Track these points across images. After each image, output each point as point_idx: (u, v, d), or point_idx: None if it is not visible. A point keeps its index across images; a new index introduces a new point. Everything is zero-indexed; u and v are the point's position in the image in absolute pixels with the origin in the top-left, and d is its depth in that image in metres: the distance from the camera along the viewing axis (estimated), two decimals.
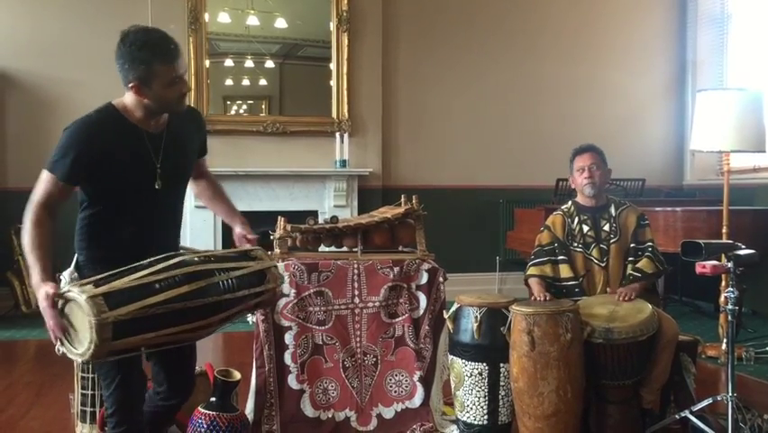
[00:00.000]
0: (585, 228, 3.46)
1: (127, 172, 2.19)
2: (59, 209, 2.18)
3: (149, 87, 2.13)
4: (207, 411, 2.80)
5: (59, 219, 2.17)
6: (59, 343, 2.02)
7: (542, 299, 3.22)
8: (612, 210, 3.49)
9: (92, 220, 2.24)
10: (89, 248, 2.25)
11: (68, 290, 1.96)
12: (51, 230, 2.11)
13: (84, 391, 3.15)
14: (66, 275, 2.15)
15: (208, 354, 5.04)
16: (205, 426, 2.77)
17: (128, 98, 2.21)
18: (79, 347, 1.95)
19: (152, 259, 2.09)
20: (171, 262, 2.08)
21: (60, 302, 1.98)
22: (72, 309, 1.96)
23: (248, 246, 2.44)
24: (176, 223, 2.43)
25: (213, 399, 2.85)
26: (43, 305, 1.98)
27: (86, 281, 2.00)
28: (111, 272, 2.03)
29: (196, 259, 2.16)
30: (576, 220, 3.48)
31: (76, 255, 2.28)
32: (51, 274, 2.04)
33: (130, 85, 2.15)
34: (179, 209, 2.45)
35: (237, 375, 2.92)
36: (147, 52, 2.10)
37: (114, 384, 2.21)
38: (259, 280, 2.27)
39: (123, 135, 2.18)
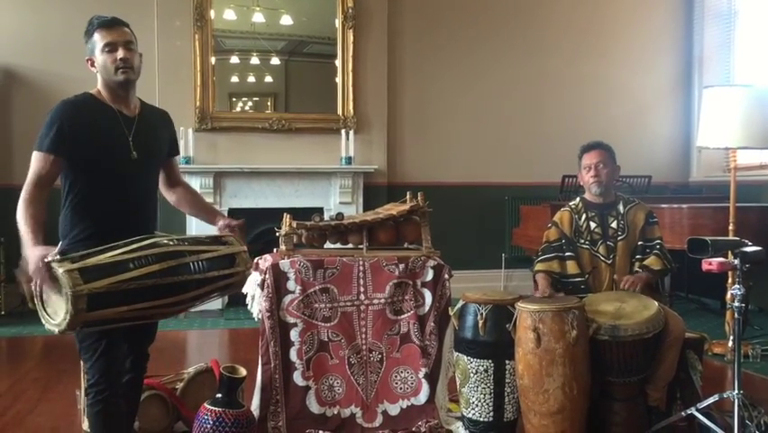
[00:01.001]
0: (592, 225, 3.45)
1: (105, 141, 2.38)
2: (49, 193, 2.33)
3: (95, 56, 2.40)
4: (213, 408, 2.81)
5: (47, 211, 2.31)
6: (37, 302, 2.20)
7: (546, 295, 3.21)
8: (620, 207, 3.48)
9: (76, 201, 2.38)
10: (74, 229, 2.38)
11: (50, 263, 2.11)
12: (43, 206, 2.28)
13: None
14: (49, 258, 2.22)
15: (214, 350, 5.07)
16: (211, 422, 2.78)
17: (98, 84, 2.46)
18: (56, 318, 2.12)
19: (128, 240, 2.26)
20: (145, 242, 2.27)
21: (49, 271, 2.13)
22: (52, 283, 2.12)
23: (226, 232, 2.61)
24: (153, 201, 2.57)
25: (219, 395, 2.86)
26: (37, 265, 2.12)
27: (63, 258, 2.16)
28: (88, 251, 2.20)
29: (169, 241, 2.33)
30: (584, 217, 3.47)
31: (60, 243, 2.39)
32: (41, 240, 2.18)
33: (86, 59, 2.42)
34: (155, 188, 2.60)
35: (243, 372, 2.93)
36: (91, 25, 2.41)
37: (97, 354, 2.34)
38: (229, 263, 2.45)
39: (97, 112, 2.41)
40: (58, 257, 2.20)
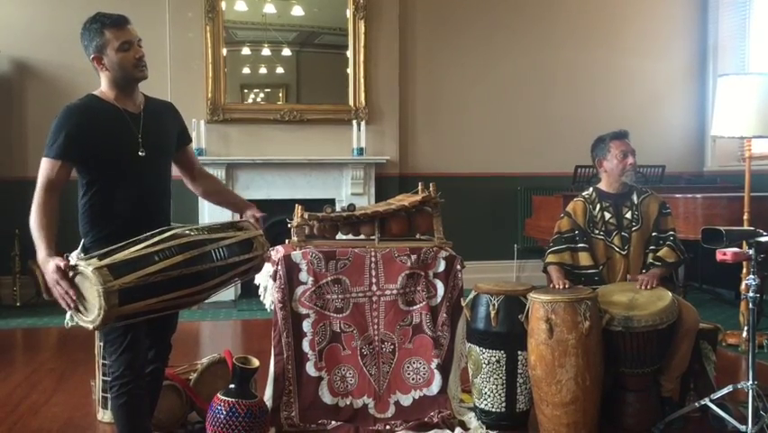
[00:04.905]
0: (607, 215, 3.42)
1: (113, 142, 2.40)
2: (62, 193, 2.35)
3: (105, 55, 2.38)
4: (226, 398, 2.83)
5: (63, 209, 2.34)
6: (70, 312, 2.24)
7: (560, 286, 3.19)
8: (635, 198, 3.45)
9: (93, 201, 2.41)
10: (93, 229, 2.41)
11: (76, 265, 2.17)
12: (55, 211, 2.31)
13: (105, 378, 3.19)
14: (73, 256, 2.29)
15: (227, 341, 5.09)
16: (224, 412, 2.79)
17: (102, 84, 2.45)
18: (90, 315, 2.16)
19: (148, 234, 2.30)
20: (166, 235, 2.31)
21: (69, 276, 2.17)
22: (81, 282, 2.17)
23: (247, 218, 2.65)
24: (167, 194, 2.59)
25: (232, 386, 2.87)
26: (54, 277, 2.17)
27: (90, 256, 2.22)
28: (111, 247, 2.24)
29: (188, 231, 2.37)
30: (598, 207, 3.44)
31: (82, 240, 2.43)
32: (56, 250, 2.23)
33: (92, 58, 2.41)
34: (168, 182, 2.60)
35: (256, 362, 2.94)
36: (97, 23, 2.39)
37: (122, 347, 2.37)
38: (247, 247, 2.49)
39: (103, 113, 2.41)
40: (82, 256, 2.24)
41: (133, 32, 2.42)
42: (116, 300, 2.11)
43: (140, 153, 2.42)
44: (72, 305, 2.18)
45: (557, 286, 3.20)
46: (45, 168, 2.34)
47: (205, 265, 2.33)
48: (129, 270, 2.16)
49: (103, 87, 2.45)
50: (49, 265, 2.18)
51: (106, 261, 2.15)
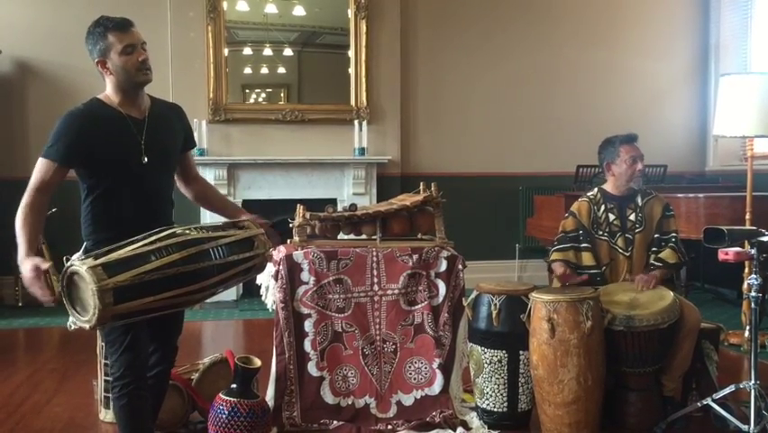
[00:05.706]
0: (611, 217, 3.41)
1: (116, 148, 2.40)
2: (55, 195, 2.39)
3: (109, 59, 2.38)
4: (228, 398, 2.83)
5: (66, 210, 2.31)
6: (65, 301, 2.22)
7: (563, 271, 3.18)
8: (638, 200, 3.44)
9: (94, 205, 2.42)
10: (96, 232, 2.42)
11: (71, 265, 2.16)
12: (43, 212, 2.35)
13: (107, 378, 3.20)
14: (75, 258, 2.26)
15: (229, 341, 5.10)
16: (226, 412, 2.80)
17: (107, 88, 2.45)
18: (85, 315, 2.15)
19: (146, 234, 2.29)
20: (164, 234, 2.30)
21: (66, 277, 2.18)
22: (76, 281, 2.16)
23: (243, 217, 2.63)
24: (169, 199, 2.59)
25: (233, 385, 2.87)
26: (30, 275, 2.19)
27: (86, 256, 2.21)
28: (109, 247, 2.23)
29: (187, 231, 2.36)
30: (602, 208, 3.43)
31: (84, 243, 2.44)
32: (35, 250, 2.26)
33: (96, 62, 2.41)
34: (170, 187, 2.62)
35: (257, 362, 2.94)
36: (101, 27, 2.39)
37: (122, 348, 2.37)
38: (248, 246, 2.47)
39: (107, 119, 2.40)
40: (82, 255, 2.24)
41: (137, 36, 2.40)
42: (111, 299, 2.10)
43: (143, 160, 2.41)
44: (50, 300, 2.23)
45: (557, 273, 3.20)
46: (41, 168, 2.34)
47: (203, 264, 2.30)
48: (124, 268, 2.15)
49: (108, 91, 2.44)
50: (26, 264, 2.19)
51: (101, 260, 2.14)
